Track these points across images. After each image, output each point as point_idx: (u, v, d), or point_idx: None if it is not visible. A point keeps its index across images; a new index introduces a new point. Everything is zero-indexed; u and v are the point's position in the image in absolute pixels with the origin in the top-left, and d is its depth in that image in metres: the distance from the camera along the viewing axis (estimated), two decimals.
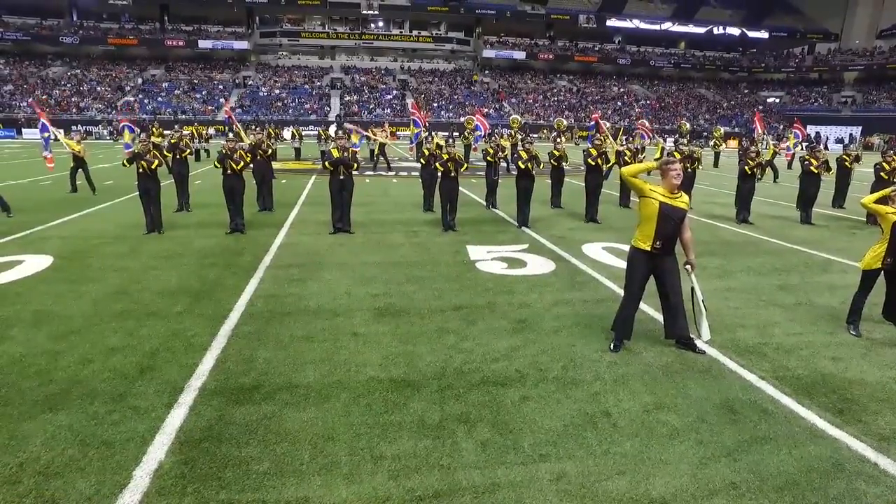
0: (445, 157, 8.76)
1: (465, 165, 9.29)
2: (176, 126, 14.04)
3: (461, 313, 5.07)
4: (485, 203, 11.42)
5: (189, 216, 9.88)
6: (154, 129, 21.57)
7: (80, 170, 12.72)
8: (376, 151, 19.67)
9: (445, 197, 8.80)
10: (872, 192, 11.17)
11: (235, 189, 8.34)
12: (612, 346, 4.32)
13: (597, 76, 60.26)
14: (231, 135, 10.29)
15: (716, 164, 22.83)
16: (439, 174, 8.95)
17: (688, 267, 4.33)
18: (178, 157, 10.64)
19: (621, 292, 5.69)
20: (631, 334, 4.38)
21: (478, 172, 18.59)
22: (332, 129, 25.56)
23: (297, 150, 22.71)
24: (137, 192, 8.34)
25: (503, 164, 10.76)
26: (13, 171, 16.94)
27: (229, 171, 8.28)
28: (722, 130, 27.42)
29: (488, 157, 10.60)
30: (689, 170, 11.03)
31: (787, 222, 10.40)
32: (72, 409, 3.30)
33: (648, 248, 4.13)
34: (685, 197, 4.19)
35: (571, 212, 11.00)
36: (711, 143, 25.78)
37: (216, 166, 8.39)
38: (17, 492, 2.58)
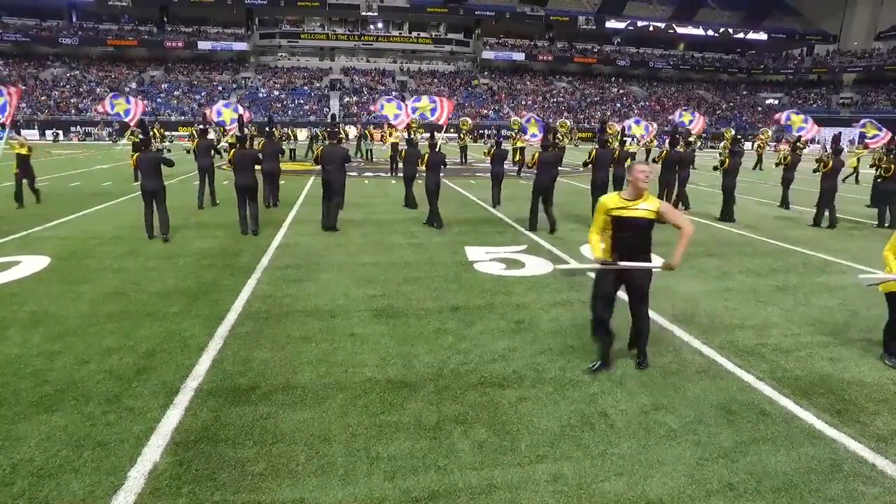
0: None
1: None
2: (201, 127, 14.25)
3: (459, 314, 5.06)
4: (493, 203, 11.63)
5: (188, 217, 9.87)
6: (155, 130, 21.58)
7: (24, 178, 10.50)
8: (373, 152, 19.64)
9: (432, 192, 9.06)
10: (872, 196, 11.54)
11: (248, 186, 8.19)
12: (591, 366, 3.94)
13: (596, 77, 60.30)
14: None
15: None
16: (422, 170, 9.33)
17: (657, 265, 3.82)
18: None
19: (620, 293, 5.69)
20: (609, 350, 3.99)
21: (478, 173, 18.60)
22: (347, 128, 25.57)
23: (293, 151, 22.69)
24: (141, 195, 7.85)
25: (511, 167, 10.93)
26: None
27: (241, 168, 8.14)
28: (732, 132, 26.86)
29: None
30: (686, 171, 11.11)
31: (787, 222, 10.40)
32: (67, 409, 3.29)
33: (610, 259, 3.84)
34: (651, 201, 3.68)
35: (570, 213, 11.00)
36: (721, 144, 25.36)
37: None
38: (11, 493, 2.57)
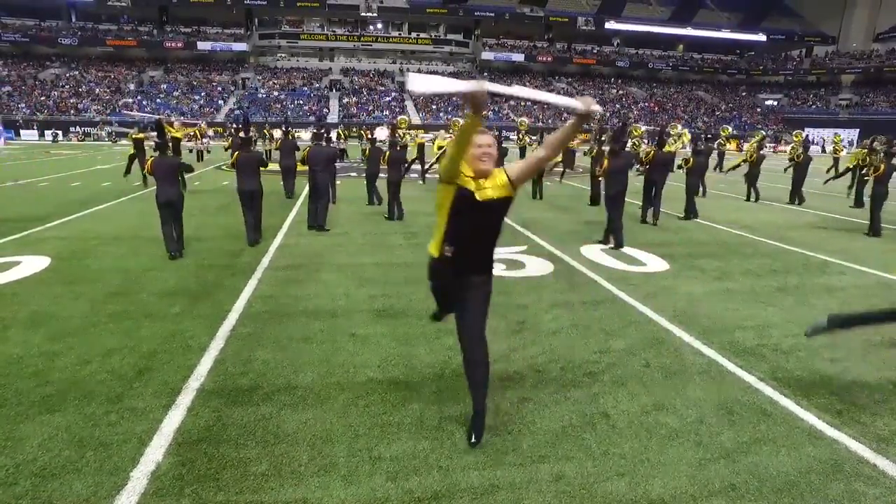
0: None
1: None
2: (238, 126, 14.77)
3: None
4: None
5: (188, 219, 9.84)
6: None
7: None
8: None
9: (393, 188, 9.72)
10: (857, 197, 11.96)
11: (255, 194, 7.61)
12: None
13: (595, 78, 60.39)
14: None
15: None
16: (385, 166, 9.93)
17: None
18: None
19: (620, 293, 5.74)
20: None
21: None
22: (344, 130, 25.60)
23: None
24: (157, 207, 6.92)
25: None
26: (12, 173, 16.92)
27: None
28: (763, 133, 25.77)
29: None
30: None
31: (784, 223, 10.42)
32: (69, 410, 3.29)
33: (436, 255, 2.91)
34: (501, 178, 2.85)
35: (569, 213, 11.01)
36: (750, 144, 24.18)
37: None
38: (14, 493, 2.57)
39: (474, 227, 2.84)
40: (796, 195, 13.23)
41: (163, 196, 6.82)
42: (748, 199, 13.45)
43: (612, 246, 7.85)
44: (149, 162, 6.96)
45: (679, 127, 16.87)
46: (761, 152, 13.56)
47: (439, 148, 14.14)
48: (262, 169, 7.75)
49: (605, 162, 8.06)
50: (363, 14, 53.56)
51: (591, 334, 4.64)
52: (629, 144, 11.45)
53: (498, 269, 6.56)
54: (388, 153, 9.86)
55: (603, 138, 13.53)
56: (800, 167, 13.24)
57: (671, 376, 3.90)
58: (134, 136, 13.51)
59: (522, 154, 22.27)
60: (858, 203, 12.85)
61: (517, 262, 7.00)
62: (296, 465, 2.83)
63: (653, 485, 2.72)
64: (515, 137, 23.44)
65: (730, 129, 23.90)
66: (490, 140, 2.76)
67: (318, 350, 4.23)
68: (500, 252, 7.42)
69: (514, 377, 3.84)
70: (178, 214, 7.00)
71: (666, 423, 3.28)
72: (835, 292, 6.01)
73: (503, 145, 13.61)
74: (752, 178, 13.53)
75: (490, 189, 2.80)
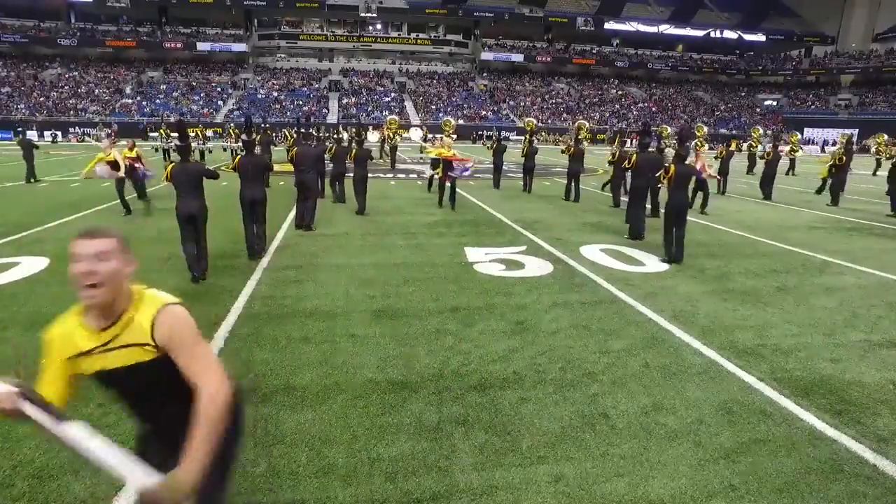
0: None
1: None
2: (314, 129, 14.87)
3: (459, 315, 5.06)
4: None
5: None
6: (198, 131, 21.85)
7: None
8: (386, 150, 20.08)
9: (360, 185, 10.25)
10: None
11: (256, 199, 7.00)
12: None
13: (595, 79, 60.39)
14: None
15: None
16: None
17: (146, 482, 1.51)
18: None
19: (619, 294, 5.74)
20: None
21: (476, 174, 18.60)
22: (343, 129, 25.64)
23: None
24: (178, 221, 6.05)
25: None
26: (12, 173, 16.91)
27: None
28: (798, 136, 23.82)
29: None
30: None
31: (784, 223, 10.42)
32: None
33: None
34: (141, 316, 1.63)
35: (569, 213, 11.00)
36: (787, 147, 21.45)
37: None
38: (11, 495, 2.56)
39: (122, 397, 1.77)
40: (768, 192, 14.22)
41: (184, 209, 5.89)
42: (719, 193, 14.40)
43: (667, 259, 7.18)
44: (167, 169, 6.08)
45: (705, 129, 17.20)
46: (730, 150, 15.04)
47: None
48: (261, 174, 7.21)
49: (671, 168, 7.05)
50: (362, 14, 53.54)
51: (590, 334, 4.63)
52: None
53: (497, 270, 6.57)
54: (354, 151, 10.20)
55: (581, 137, 13.46)
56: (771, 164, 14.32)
57: (670, 376, 3.90)
58: (105, 157, 9.97)
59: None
60: (834, 201, 13.12)
61: (517, 262, 6.99)
62: (294, 466, 2.82)
63: (652, 485, 2.72)
64: (523, 138, 23.08)
65: (760, 130, 23.04)
66: (93, 247, 1.61)
67: (317, 351, 4.22)
68: (499, 252, 7.47)
69: (513, 377, 3.84)
70: (200, 227, 6.00)
71: (665, 424, 3.27)
72: (835, 292, 6.00)
73: (503, 142, 14.00)
74: (724, 173, 14.65)
75: (119, 350, 1.60)
